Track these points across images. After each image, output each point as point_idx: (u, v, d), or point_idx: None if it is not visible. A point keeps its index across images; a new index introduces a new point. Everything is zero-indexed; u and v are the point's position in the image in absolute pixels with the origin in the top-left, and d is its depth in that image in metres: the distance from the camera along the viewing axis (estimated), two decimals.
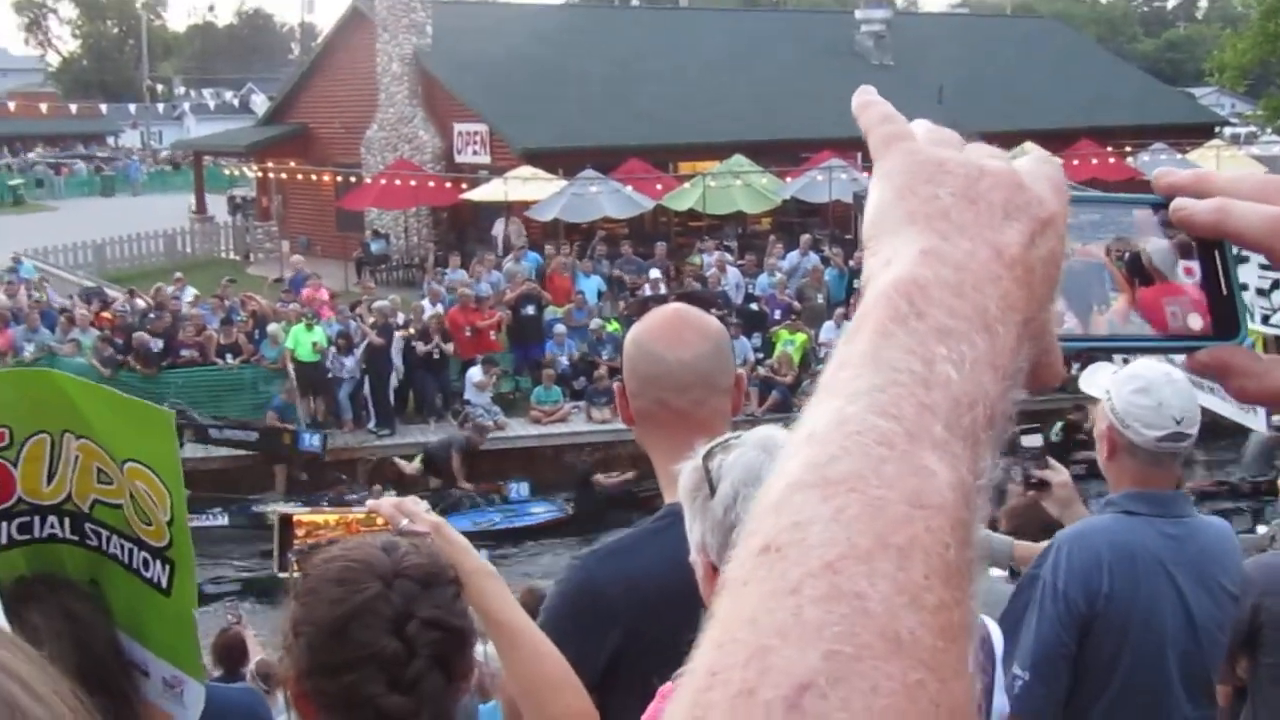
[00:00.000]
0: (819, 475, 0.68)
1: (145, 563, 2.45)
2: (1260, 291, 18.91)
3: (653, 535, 2.50)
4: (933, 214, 0.79)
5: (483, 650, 2.21)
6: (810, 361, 22.97)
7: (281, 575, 2.53)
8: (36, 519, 2.50)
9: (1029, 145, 32.57)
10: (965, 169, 0.82)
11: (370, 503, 2.33)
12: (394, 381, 21.78)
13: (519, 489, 20.73)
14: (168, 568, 2.43)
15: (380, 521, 2.23)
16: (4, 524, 2.48)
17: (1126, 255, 0.93)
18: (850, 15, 43.48)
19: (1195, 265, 0.94)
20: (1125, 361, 3.83)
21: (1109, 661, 3.56)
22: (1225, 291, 0.93)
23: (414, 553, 2.09)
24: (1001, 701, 3.07)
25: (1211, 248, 0.93)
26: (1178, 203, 0.92)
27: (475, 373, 21.90)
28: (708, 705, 0.61)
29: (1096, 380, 3.82)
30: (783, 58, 37.69)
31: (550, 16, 42.95)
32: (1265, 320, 18.33)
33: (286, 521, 2.24)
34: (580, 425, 22.10)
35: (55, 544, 2.52)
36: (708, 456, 1.98)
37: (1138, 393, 3.58)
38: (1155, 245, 0.94)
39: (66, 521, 2.50)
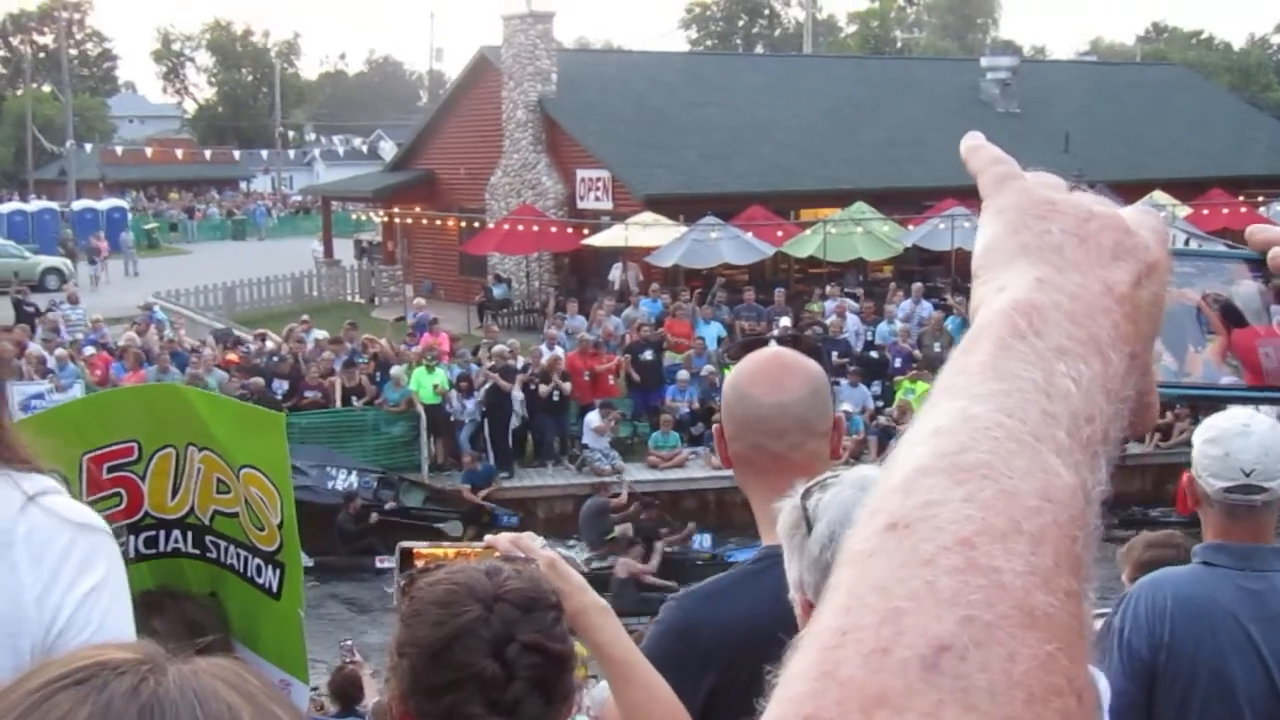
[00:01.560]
0: (950, 462, 0.70)
1: (259, 569, 2.52)
2: None
3: (750, 577, 2.50)
4: (1045, 247, 0.82)
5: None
6: None
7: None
8: (162, 533, 2.57)
9: (1158, 194, 32.08)
10: (1075, 209, 0.85)
11: (489, 538, 2.35)
12: (514, 424, 21.96)
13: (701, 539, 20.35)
14: (278, 571, 2.49)
15: (497, 555, 2.25)
16: (132, 538, 2.55)
17: (1221, 301, 0.96)
18: (976, 63, 43.20)
19: None
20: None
21: (1177, 715, 3.47)
22: None
23: (515, 577, 2.11)
24: None
25: None
26: (1276, 251, 0.95)
27: (594, 417, 22.01)
28: (838, 661, 0.63)
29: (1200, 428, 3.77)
30: (907, 105, 37.55)
31: (673, 63, 43.23)
32: None
33: (407, 555, 2.27)
34: (697, 471, 22.07)
35: (179, 558, 2.59)
36: (805, 495, 2.00)
37: (1208, 443, 3.54)
38: (1248, 291, 0.97)
39: (189, 535, 2.57)
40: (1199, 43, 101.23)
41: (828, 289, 28.62)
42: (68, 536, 1.89)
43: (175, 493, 2.54)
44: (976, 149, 0.93)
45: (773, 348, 2.62)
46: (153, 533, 2.58)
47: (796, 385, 2.53)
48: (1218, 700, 3.44)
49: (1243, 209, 33.58)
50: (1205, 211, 32.48)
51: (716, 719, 2.41)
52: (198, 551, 2.60)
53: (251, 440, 2.45)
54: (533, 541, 2.29)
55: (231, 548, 2.58)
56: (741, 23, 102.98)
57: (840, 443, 2.58)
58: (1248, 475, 3.49)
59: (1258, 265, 0.96)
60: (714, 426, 2.60)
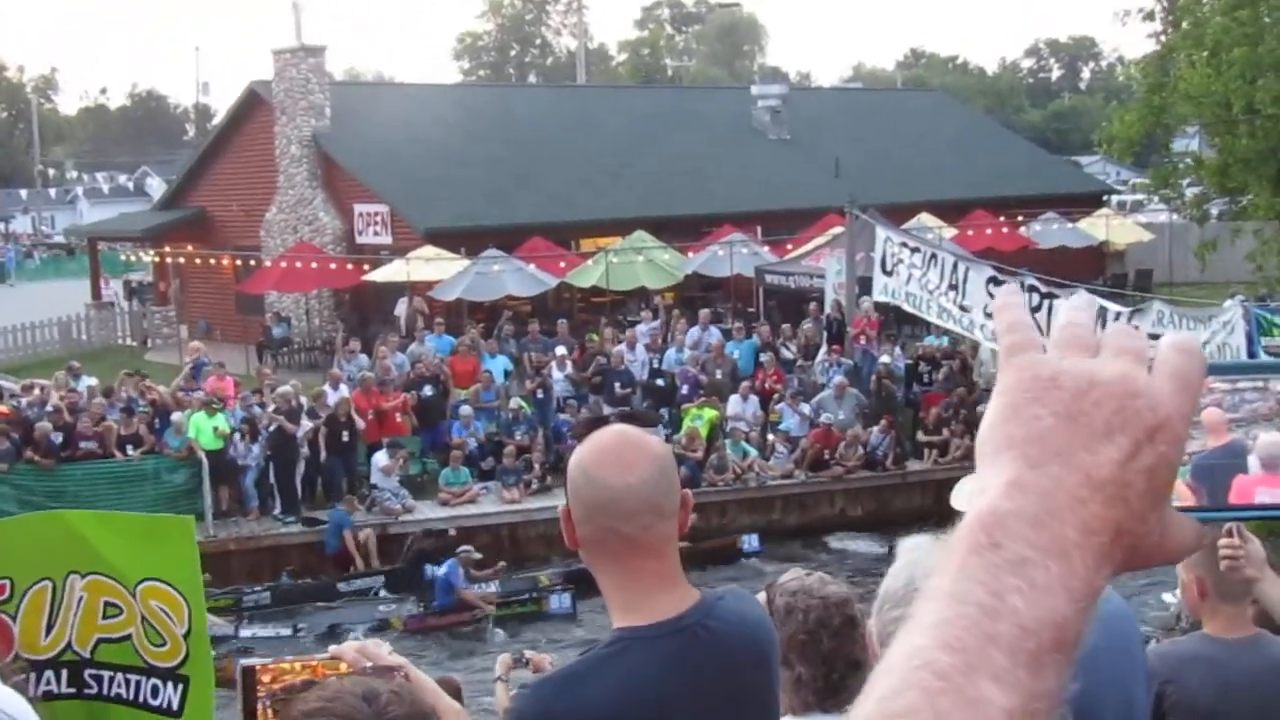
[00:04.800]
0: (885, 709, 0.74)
1: (155, 690, 2.41)
2: None
3: (606, 661, 2.47)
4: (1030, 438, 0.83)
5: None
6: (718, 436, 23.05)
7: None
8: (32, 676, 2.44)
9: (925, 216, 33.20)
10: (1076, 382, 0.85)
11: (333, 649, 2.29)
12: (300, 468, 21.52)
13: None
14: (180, 686, 2.39)
15: (343, 667, 2.19)
16: None
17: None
18: (747, 91, 44.09)
19: None
20: None
21: None
22: None
23: (395, 701, 2.03)
24: None
25: None
26: None
27: (381, 457, 21.70)
28: None
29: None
30: (682, 134, 38.11)
31: (447, 96, 43.09)
32: None
33: (249, 673, 2.19)
34: (490, 506, 21.95)
35: (51, 701, 2.46)
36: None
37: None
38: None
39: (64, 674, 2.44)
40: (955, 67, 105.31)
41: (634, 315, 28.89)
42: None
43: (50, 630, 2.42)
44: (1004, 309, 0.93)
45: (616, 426, 2.60)
46: (22, 677, 2.45)
47: (644, 465, 2.50)
48: None
49: (1005, 229, 34.97)
50: (970, 233, 33.70)
51: None
52: (73, 690, 2.48)
53: (153, 551, 2.36)
54: (379, 649, 2.24)
55: (119, 676, 2.46)
56: (514, 52, 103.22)
57: (687, 519, 2.59)
58: None
59: None
60: (560, 509, 2.55)
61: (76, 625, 2.41)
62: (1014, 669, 0.74)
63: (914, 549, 2.37)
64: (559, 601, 19.61)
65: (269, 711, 2.09)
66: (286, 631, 18.83)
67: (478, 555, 19.79)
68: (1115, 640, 3.63)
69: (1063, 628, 0.77)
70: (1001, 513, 0.80)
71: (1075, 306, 0.93)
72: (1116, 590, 3.98)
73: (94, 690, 2.46)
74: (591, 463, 2.51)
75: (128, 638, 2.41)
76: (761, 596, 2.94)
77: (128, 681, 2.44)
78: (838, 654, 2.92)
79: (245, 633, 18.62)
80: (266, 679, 2.17)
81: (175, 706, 2.39)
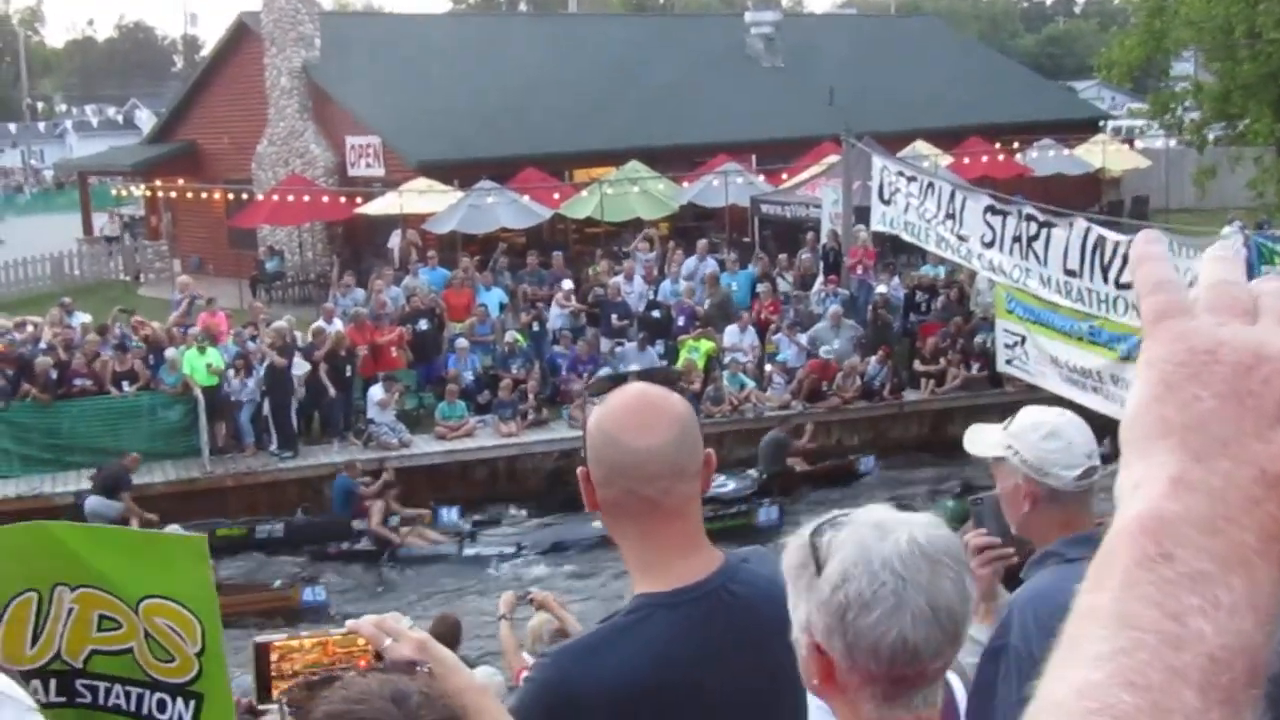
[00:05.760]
0: None
1: (161, 704, 2.33)
2: None
3: (627, 630, 2.41)
4: (1189, 424, 0.72)
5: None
6: (714, 368, 23.01)
7: (262, 707, 2.41)
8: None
9: (920, 144, 32.99)
10: (1239, 355, 0.73)
11: (350, 623, 2.21)
12: (296, 403, 21.46)
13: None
14: (192, 703, 2.31)
15: (360, 642, 2.11)
16: None
17: None
18: (740, 19, 43.67)
19: None
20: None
21: None
22: None
23: (426, 704, 1.92)
24: None
25: None
26: None
27: (376, 391, 21.63)
28: None
29: (985, 439, 3.76)
30: (674, 62, 37.75)
31: (438, 26, 42.68)
32: None
33: (262, 650, 2.11)
34: (487, 440, 21.93)
35: (40, 709, 2.39)
36: (815, 533, 1.91)
37: (1047, 438, 3.57)
38: None
39: (53, 683, 2.37)
40: None
41: (628, 246, 28.80)
42: None
43: (35, 640, 2.34)
44: (1143, 259, 0.81)
45: (637, 386, 2.51)
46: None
47: (667, 427, 2.44)
48: None
49: (1000, 156, 34.77)
50: (966, 160, 33.51)
51: None
52: (63, 699, 2.40)
53: (158, 570, 2.26)
54: (399, 623, 2.16)
55: (116, 687, 2.38)
56: None
57: (710, 478, 2.52)
58: (1089, 458, 3.58)
59: None
60: (579, 470, 2.48)
61: (66, 636, 2.33)
62: (1206, 711, 0.63)
63: (861, 526, 1.93)
64: (766, 514, 19.82)
65: (287, 713, 1.99)
66: (510, 549, 19.57)
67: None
68: None
69: (1254, 655, 0.65)
70: (1169, 516, 0.69)
71: (1222, 259, 0.81)
72: None
73: (87, 699, 2.38)
74: (613, 424, 2.44)
75: (128, 651, 2.32)
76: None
77: (128, 694, 2.36)
78: None
79: (469, 551, 19.55)
80: (275, 656, 2.08)
81: None
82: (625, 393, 2.49)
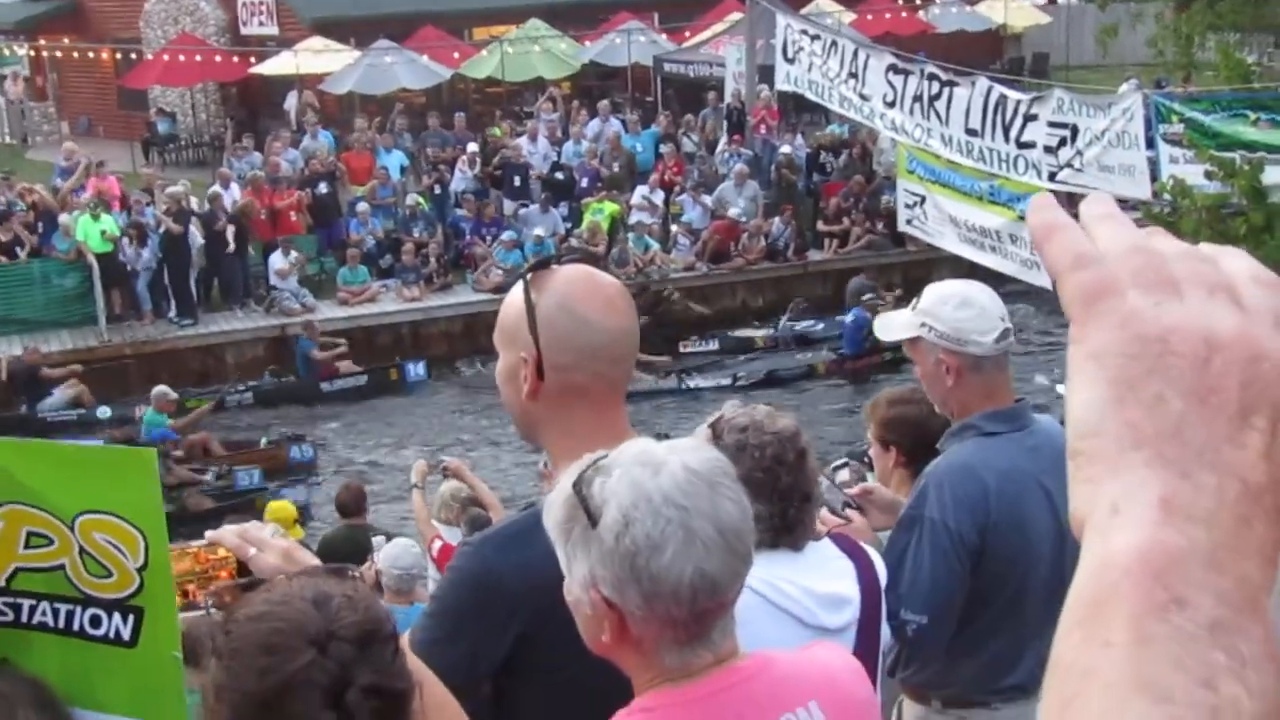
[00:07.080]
0: None
1: (95, 619, 2.28)
2: (1047, 149, 18.99)
3: None
4: (1163, 432, 0.62)
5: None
6: (619, 230, 22.89)
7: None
8: None
9: (823, 1, 32.66)
10: (1192, 345, 0.64)
11: (210, 534, 2.16)
12: (195, 271, 21.08)
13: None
14: (131, 617, 2.27)
15: (222, 551, 2.07)
16: None
17: None
18: None
19: None
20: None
21: (1000, 589, 3.57)
22: None
23: (348, 606, 1.89)
24: (886, 632, 3.06)
25: None
26: None
27: (277, 258, 21.29)
28: None
29: (896, 323, 3.75)
30: None
31: None
32: (1051, 177, 18.41)
33: None
34: (390, 305, 21.74)
35: None
36: (580, 483, 1.80)
37: (960, 307, 3.57)
38: None
39: None
40: None
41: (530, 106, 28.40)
42: None
43: None
44: (1050, 230, 0.69)
45: (582, 268, 2.40)
46: None
47: (627, 306, 2.40)
48: (1032, 565, 3.54)
49: (904, 14, 34.58)
50: (869, 17, 33.24)
51: (523, 669, 2.31)
52: None
53: (98, 484, 2.20)
54: (261, 531, 2.11)
55: (43, 604, 2.33)
56: None
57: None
58: (1004, 320, 3.60)
59: None
60: (523, 355, 2.33)
61: None
62: None
63: (630, 466, 1.80)
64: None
65: (213, 614, 1.97)
66: (726, 381, 19.91)
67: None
68: None
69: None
70: (1174, 551, 0.59)
71: (1110, 215, 0.68)
72: None
73: (9, 618, 2.33)
74: (579, 303, 2.33)
75: (59, 567, 2.27)
76: (704, 433, 2.83)
77: (55, 610, 2.31)
78: (794, 489, 2.84)
79: (690, 384, 19.90)
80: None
81: (127, 637, 2.27)
82: (578, 273, 2.39)
